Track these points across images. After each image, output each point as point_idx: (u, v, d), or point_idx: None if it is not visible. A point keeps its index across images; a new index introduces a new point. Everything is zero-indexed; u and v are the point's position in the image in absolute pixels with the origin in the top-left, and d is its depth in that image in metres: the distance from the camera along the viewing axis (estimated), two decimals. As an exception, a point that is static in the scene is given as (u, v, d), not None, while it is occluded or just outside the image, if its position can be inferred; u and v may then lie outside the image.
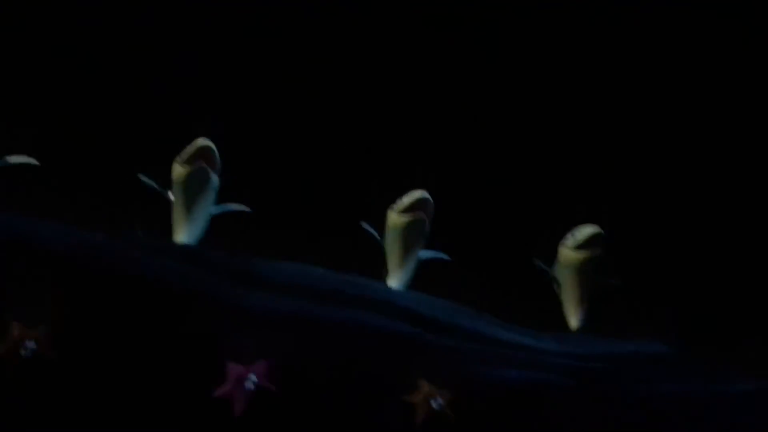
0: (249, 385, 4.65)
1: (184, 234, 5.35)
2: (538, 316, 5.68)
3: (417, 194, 5.48)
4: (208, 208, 5.37)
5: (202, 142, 5.27)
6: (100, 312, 4.69)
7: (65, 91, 6.05)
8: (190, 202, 5.33)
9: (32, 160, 5.24)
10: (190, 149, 5.27)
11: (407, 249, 5.54)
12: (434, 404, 4.87)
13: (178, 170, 5.31)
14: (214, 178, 5.30)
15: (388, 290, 5.36)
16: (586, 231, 5.74)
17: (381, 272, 5.54)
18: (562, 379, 5.24)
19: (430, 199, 5.47)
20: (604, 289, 5.80)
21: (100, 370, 4.61)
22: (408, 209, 5.48)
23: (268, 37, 6.40)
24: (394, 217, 5.53)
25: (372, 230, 5.58)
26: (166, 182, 5.37)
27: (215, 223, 5.42)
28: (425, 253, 5.61)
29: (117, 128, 6.03)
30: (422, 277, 5.59)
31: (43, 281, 4.66)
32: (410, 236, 5.52)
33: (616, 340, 5.61)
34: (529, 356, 5.27)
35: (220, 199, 5.42)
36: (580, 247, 5.74)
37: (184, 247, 5.23)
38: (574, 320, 5.81)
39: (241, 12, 6.36)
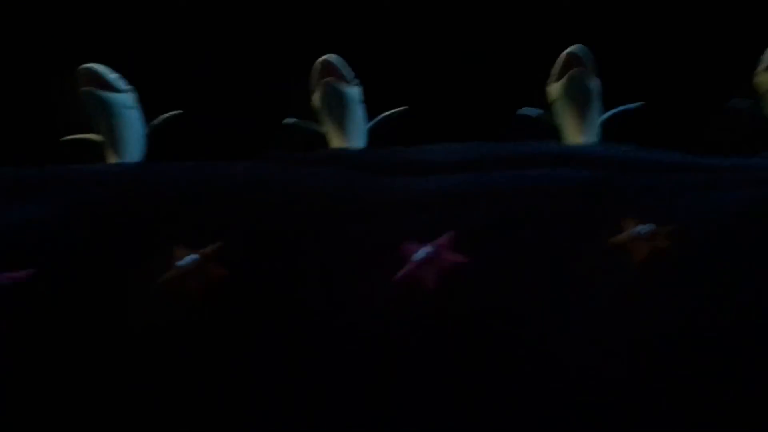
0: (422, 255, 4.28)
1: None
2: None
3: (564, 54, 5.14)
4: (357, 122, 5.30)
5: (323, 58, 5.18)
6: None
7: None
8: (332, 121, 5.26)
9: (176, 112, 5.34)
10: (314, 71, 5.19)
11: (582, 111, 5.18)
12: (641, 231, 4.43)
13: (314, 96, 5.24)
14: (348, 90, 5.22)
15: (565, 145, 4.98)
16: None
17: None
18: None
19: (579, 52, 5.11)
20: None
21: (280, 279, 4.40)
22: (561, 72, 5.14)
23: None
24: (554, 87, 5.21)
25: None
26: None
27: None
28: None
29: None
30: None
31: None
32: (578, 96, 5.16)
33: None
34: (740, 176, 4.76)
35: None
36: None
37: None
38: None
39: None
